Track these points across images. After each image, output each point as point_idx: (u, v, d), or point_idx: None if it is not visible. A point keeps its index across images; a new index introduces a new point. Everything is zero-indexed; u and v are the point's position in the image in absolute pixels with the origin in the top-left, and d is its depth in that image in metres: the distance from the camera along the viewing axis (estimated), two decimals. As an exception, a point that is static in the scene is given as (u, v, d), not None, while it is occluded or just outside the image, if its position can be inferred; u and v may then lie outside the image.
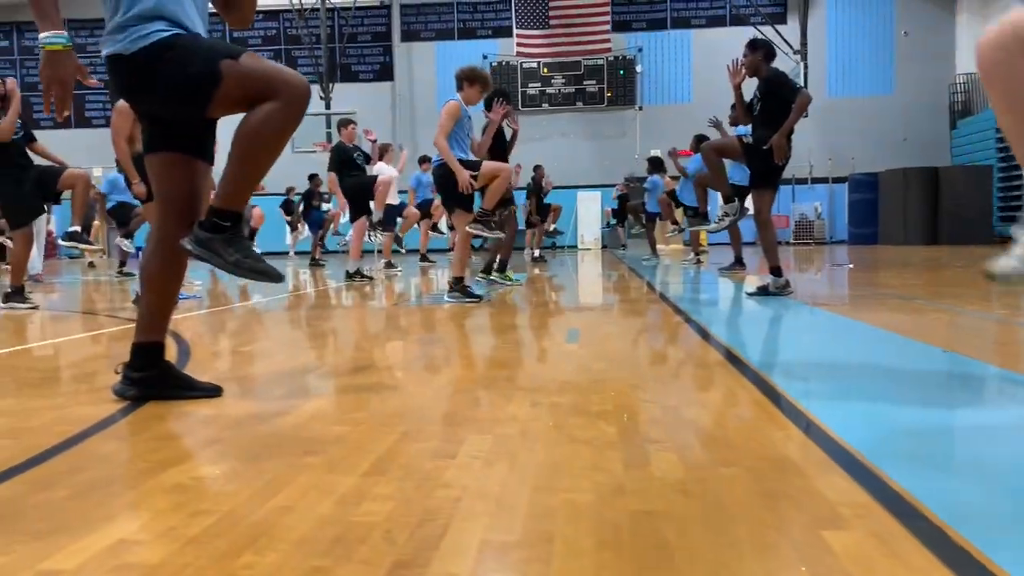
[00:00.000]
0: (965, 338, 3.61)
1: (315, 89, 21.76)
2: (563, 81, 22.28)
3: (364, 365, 3.17)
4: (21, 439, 1.94)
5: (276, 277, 2.25)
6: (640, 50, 22.13)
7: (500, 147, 6.61)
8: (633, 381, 2.64)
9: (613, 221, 19.44)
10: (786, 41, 18.72)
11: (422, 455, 1.72)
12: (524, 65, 22.21)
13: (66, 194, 5.88)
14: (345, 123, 8.39)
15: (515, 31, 22.04)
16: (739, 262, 8.89)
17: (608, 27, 21.96)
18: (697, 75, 21.92)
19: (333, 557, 1.20)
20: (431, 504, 1.40)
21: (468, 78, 5.67)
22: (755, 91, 5.97)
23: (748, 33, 21.30)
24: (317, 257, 12.94)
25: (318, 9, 21.30)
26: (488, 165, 5.74)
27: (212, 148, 2.41)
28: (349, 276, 8.16)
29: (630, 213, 13.40)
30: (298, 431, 1.99)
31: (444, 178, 5.57)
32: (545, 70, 22.15)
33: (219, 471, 1.63)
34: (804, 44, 16.83)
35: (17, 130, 5.48)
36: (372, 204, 8.31)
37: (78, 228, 6.64)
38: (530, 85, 22.27)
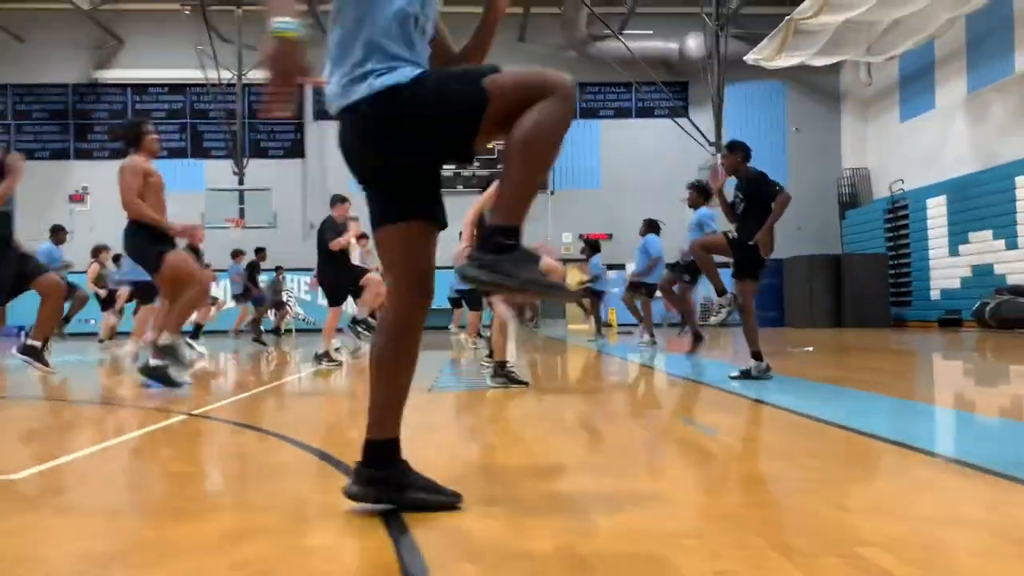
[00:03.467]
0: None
1: (228, 165, 21.14)
2: (477, 164, 22.57)
3: (576, 463, 2.93)
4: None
5: (566, 293, 2.12)
6: (552, 137, 22.78)
7: None
8: (848, 486, 2.54)
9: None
10: (700, 132, 19.76)
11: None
12: (439, 147, 22.43)
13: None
14: (341, 199, 7.64)
15: (430, 114, 22.27)
16: (698, 338, 8.97)
17: (521, 114, 22.55)
18: (605, 163, 22.78)
19: None
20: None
21: None
22: (735, 190, 6.15)
23: (653, 124, 22.58)
24: (260, 335, 12.29)
25: (233, 84, 20.80)
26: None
27: (444, 211, 2.20)
28: (318, 358, 7.70)
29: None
30: (614, 549, 1.77)
31: None
32: (460, 153, 22.36)
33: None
34: (719, 137, 17.91)
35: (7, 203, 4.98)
36: (357, 303, 7.82)
37: (37, 344, 5.89)
38: (444, 167, 22.43)
